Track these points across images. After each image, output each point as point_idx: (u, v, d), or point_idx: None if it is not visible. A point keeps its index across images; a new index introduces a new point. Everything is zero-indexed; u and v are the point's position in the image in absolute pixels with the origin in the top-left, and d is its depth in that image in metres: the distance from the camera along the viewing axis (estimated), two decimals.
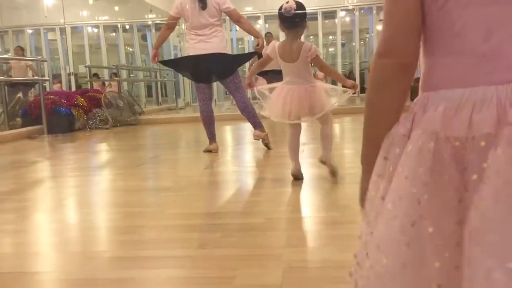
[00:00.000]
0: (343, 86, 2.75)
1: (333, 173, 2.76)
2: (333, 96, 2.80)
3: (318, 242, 1.77)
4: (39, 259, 1.79)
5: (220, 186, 2.93)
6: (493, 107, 0.53)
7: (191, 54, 3.98)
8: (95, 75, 11.21)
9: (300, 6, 2.58)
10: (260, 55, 5.81)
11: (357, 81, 13.09)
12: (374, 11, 12.82)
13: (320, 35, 12.69)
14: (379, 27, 14.23)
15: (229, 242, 1.85)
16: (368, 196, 0.66)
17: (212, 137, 4.17)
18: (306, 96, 2.62)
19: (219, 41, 3.96)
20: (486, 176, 0.50)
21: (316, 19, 12.27)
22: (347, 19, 14.14)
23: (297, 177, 2.78)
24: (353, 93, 2.68)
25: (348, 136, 4.66)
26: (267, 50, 2.77)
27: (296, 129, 2.79)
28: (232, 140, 5.50)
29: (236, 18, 4.01)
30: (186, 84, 13.49)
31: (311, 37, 13.62)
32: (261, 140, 4.12)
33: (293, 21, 2.58)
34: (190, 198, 2.58)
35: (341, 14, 12.93)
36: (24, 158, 4.61)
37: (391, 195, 0.58)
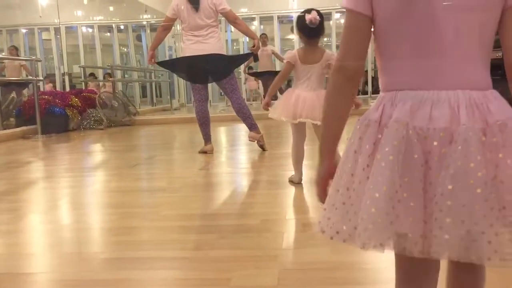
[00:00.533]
0: None
1: None
2: None
3: (313, 244, 1.77)
4: (33, 260, 1.78)
5: (215, 188, 2.93)
6: (446, 107, 0.73)
7: (187, 55, 3.98)
8: (92, 74, 11.18)
9: (320, 15, 2.60)
10: (255, 56, 5.82)
11: None
12: None
13: (296, 39, 12.70)
14: (373, 29, 14.28)
15: (225, 243, 1.85)
16: (343, 169, 0.80)
17: (207, 138, 4.17)
18: (319, 101, 2.63)
19: (215, 42, 3.96)
20: (446, 162, 0.69)
21: None
22: (342, 21, 14.17)
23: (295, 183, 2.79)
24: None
25: (343, 139, 4.66)
26: (286, 58, 2.76)
27: (301, 136, 2.78)
28: (227, 141, 5.50)
29: (232, 19, 4.01)
30: (181, 85, 13.48)
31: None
32: (256, 141, 4.12)
33: (317, 30, 2.61)
34: (185, 199, 2.58)
35: (336, 16, 12.97)
36: (18, 159, 4.58)
37: (376, 171, 0.73)
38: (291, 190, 2.67)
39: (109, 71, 11.05)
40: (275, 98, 3.30)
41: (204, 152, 4.13)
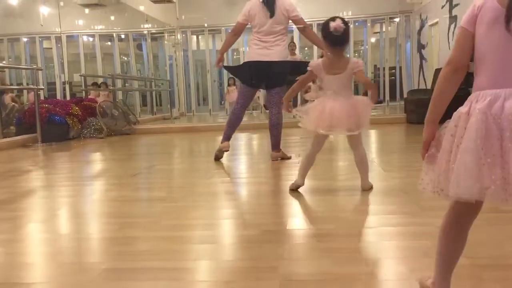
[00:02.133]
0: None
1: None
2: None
3: (314, 255, 1.76)
4: (32, 270, 1.77)
5: (215, 197, 2.92)
6: None
7: (251, 59, 4.06)
8: (95, 84, 11.20)
9: (345, 22, 2.60)
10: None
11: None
12: (369, 24, 12.93)
13: (315, 47, 12.77)
14: (373, 39, 14.37)
15: (225, 254, 1.84)
16: (444, 148, 1.13)
17: (227, 137, 4.22)
18: (354, 109, 2.62)
19: (281, 49, 4.02)
20: None
21: None
22: None
23: (294, 189, 2.80)
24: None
25: (342, 147, 4.67)
26: (310, 66, 2.75)
27: (319, 147, 2.77)
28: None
29: (302, 28, 4.10)
30: (181, 94, 13.51)
31: (306, 48, 13.73)
32: (279, 158, 4.12)
33: (341, 39, 2.61)
34: (186, 209, 2.57)
35: None
36: (18, 167, 4.58)
37: (466, 145, 1.06)
38: (292, 200, 2.67)
39: (104, 81, 11.10)
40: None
41: (219, 150, 4.19)
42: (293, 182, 2.82)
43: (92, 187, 3.43)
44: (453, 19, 9.47)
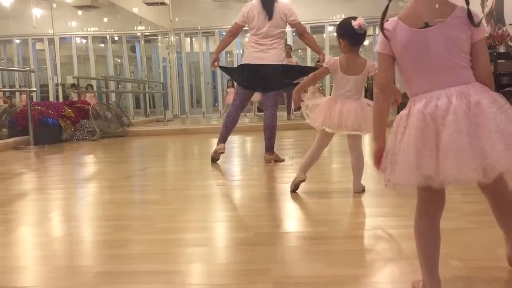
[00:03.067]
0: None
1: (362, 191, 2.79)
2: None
3: (308, 257, 1.77)
4: (25, 274, 1.76)
5: (208, 200, 2.92)
6: (444, 99, 1.23)
7: (247, 62, 4.07)
8: (90, 86, 11.16)
9: None
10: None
11: None
12: None
13: (309, 49, 12.79)
14: (366, 42, 14.42)
15: (219, 256, 1.84)
16: (389, 146, 1.30)
17: (223, 139, 4.23)
18: (363, 111, 2.64)
19: (277, 53, 4.04)
20: (447, 126, 1.18)
21: None
22: (335, 34, 14.27)
23: (293, 189, 2.81)
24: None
25: (336, 150, 4.68)
26: (327, 64, 2.75)
27: (325, 144, 2.79)
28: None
29: (301, 32, 4.12)
30: (175, 96, 13.49)
31: (300, 51, 13.76)
32: (272, 161, 4.13)
33: (363, 37, 2.63)
34: (179, 212, 2.57)
35: (329, 29, 13.08)
36: (10, 169, 4.55)
37: (408, 141, 1.23)
38: (286, 203, 2.67)
39: (91, 82, 11.05)
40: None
41: (215, 152, 4.20)
42: (292, 180, 2.83)
43: (85, 190, 3.42)
44: None
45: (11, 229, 2.36)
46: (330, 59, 2.76)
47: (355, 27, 2.57)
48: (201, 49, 13.50)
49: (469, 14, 1.25)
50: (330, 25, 12.97)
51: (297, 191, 2.81)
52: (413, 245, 1.62)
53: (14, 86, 12.18)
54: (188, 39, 14.29)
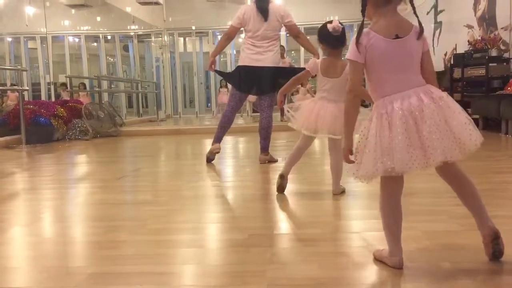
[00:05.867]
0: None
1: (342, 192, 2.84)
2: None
3: (301, 259, 1.77)
4: (17, 274, 1.75)
5: (202, 201, 2.91)
6: (414, 97, 1.52)
7: (244, 64, 4.07)
8: (82, 84, 11.10)
9: (341, 24, 2.64)
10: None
11: None
12: (355, 28, 13.03)
13: (302, 50, 12.84)
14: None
15: (213, 258, 1.84)
16: (361, 136, 1.58)
17: (218, 139, 4.25)
18: (341, 115, 2.65)
19: (274, 55, 4.05)
20: (424, 119, 1.48)
21: None
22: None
23: (280, 191, 2.82)
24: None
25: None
26: (307, 66, 2.79)
27: (307, 145, 2.83)
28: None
29: (295, 33, 4.14)
30: (168, 96, 13.46)
31: (293, 52, 13.79)
32: (267, 161, 4.15)
33: (341, 39, 2.64)
34: (172, 213, 2.56)
35: None
36: (2, 169, 4.52)
37: (396, 134, 1.48)
38: (279, 204, 2.68)
39: (83, 81, 11.00)
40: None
41: (210, 152, 4.21)
42: (277, 181, 2.86)
43: (77, 190, 3.40)
44: (438, 25, 9.58)
45: (2, 229, 2.35)
46: (312, 61, 2.79)
47: (330, 30, 2.60)
48: (194, 49, 13.49)
49: (421, 31, 1.58)
50: None
51: (289, 193, 2.82)
52: (404, 246, 1.64)
53: (5, 84, 12.09)
54: (182, 39, 14.28)
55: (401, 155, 1.46)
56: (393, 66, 1.55)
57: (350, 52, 1.57)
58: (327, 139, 2.77)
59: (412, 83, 1.55)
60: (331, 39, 2.64)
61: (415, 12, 1.64)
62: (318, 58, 3.82)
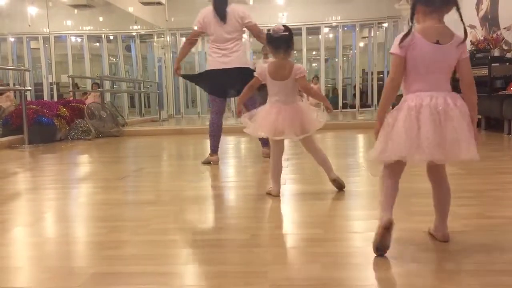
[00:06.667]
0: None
1: (341, 187, 2.85)
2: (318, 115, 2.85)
3: (303, 260, 1.77)
4: (19, 274, 1.76)
5: (204, 201, 2.92)
6: (441, 98, 1.70)
7: (212, 68, 4.05)
8: (96, 84, 11.10)
9: (287, 28, 2.68)
10: None
11: (339, 97, 13.25)
12: (357, 29, 13.02)
13: (304, 50, 12.85)
14: (362, 44, 14.48)
15: (215, 258, 1.84)
16: (385, 123, 1.75)
17: (215, 149, 4.22)
18: (297, 115, 2.68)
19: (240, 55, 4.04)
20: (449, 117, 1.68)
21: (300, 34, 12.43)
22: (331, 35, 14.33)
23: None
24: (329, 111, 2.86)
25: (330, 152, 4.70)
26: (256, 72, 2.80)
27: (280, 148, 2.83)
28: None
29: (256, 33, 4.11)
30: (170, 96, 13.46)
31: (295, 51, 13.78)
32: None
33: (281, 42, 2.66)
34: (175, 213, 2.57)
35: (325, 30, 13.11)
36: (4, 169, 4.53)
37: (401, 123, 1.69)
38: (282, 204, 2.68)
39: (97, 81, 10.99)
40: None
41: (208, 162, 4.18)
42: (270, 189, 2.86)
43: (80, 190, 3.41)
44: None
45: (5, 229, 2.35)
46: (260, 67, 2.82)
47: (270, 31, 2.65)
48: (196, 49, 13.49)
49: (464, 40, 1.72)
50: (325, 26, 13.00)
51: (291, 194, 2.82)
52: (407, 248, 1.64)
53: (8, 84, 12.11)
54: (184, 39, 14.25)
55: (428, 147, 1.63)
56: (429, 68, 1.70)
57: (393, 47, 1.74)
58: (300, 141, 2.80)
59: (442, 87, 1.72)
60: (272, 41, 2.68)
61: (462, 20, 1.74)
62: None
